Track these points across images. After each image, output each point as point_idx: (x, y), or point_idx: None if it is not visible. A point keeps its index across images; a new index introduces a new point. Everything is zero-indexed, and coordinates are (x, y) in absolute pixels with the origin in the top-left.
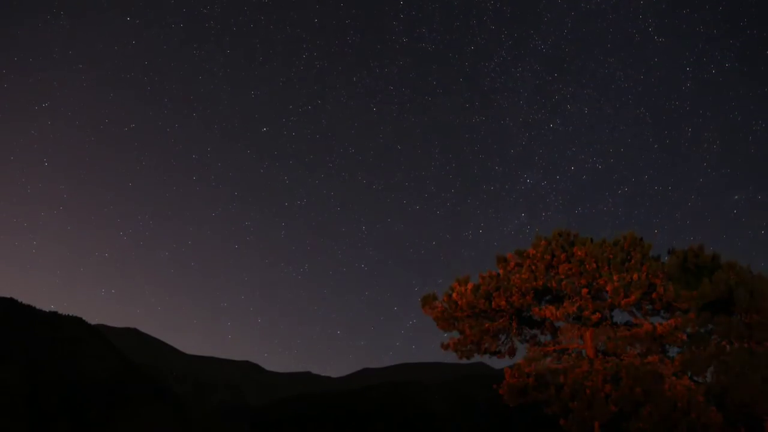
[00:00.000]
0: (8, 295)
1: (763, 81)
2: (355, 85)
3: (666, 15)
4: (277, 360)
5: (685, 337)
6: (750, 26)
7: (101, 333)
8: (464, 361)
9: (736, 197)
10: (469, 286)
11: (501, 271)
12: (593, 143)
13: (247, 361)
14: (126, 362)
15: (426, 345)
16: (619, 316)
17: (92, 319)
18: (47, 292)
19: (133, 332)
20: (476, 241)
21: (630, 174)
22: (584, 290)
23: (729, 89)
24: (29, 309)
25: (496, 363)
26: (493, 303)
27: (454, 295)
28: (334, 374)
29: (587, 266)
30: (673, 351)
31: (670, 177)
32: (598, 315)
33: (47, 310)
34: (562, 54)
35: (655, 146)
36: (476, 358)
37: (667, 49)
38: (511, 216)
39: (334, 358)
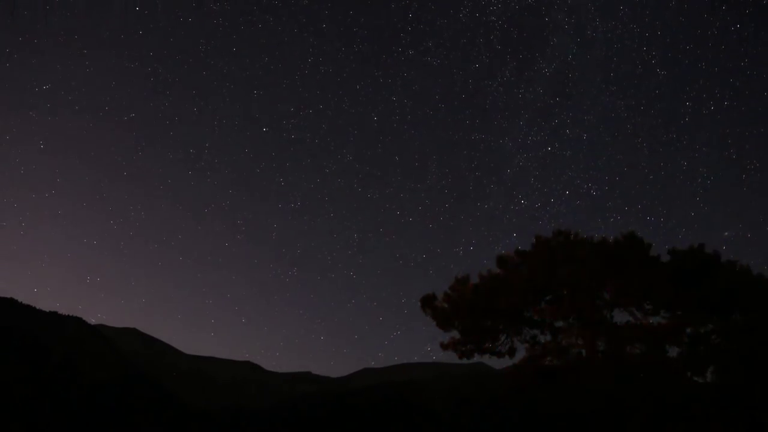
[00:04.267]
0: (8, 295)
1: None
2: (358, 93)
3: (669, 48)
4: (277, 360)
5: (685, 337)
6: (750, 65)
7: (101, 333)
8: (464, 361)
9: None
10: (469, 286)
11: (501, 271)
12: (589, 169)
13: (247, 361)
14: (126, 362)
15: (426, 345)
16: (619, 316)
17: (92, 319)
18: (47, 292)
19: (133, 332)
20: (465, 258)
21: (623, 203)
22: (584, 290)
23: (727, 125)
24: (29, 309)
25: (496, 363)
26: (493, 303)
27: (454, 295)
28: (334, 374)
29: (587, 266)
30: (673, 351)
31: (663, 209)
32: (598, 315)
33: (47, 310)
34: (565, 79)
35: (650, 177)
36: (476, 358)
37: (668, 81)
38: (503, 236)
39: (334, 358)
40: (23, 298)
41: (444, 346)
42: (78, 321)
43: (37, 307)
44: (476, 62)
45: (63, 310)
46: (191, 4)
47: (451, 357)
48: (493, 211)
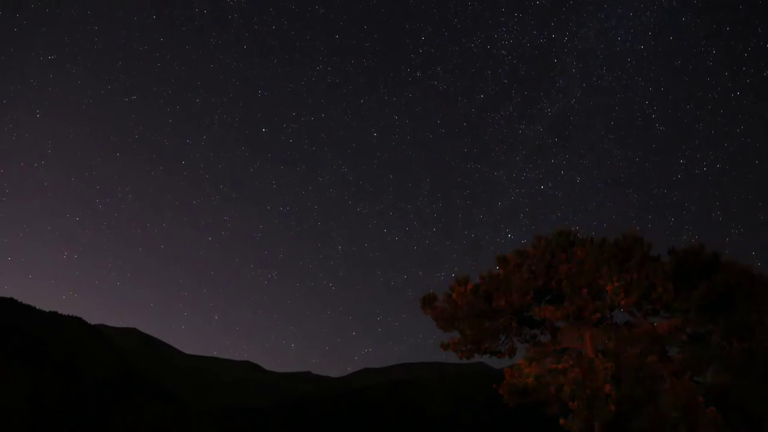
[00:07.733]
0: (8, 295)
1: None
2: (362, 107)
3: (669, 105)
4: (277, 360)
5: (685, 337)
6: (746, 130)
7: (101, 333)
8: (464, 361)
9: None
10: (469, 286)
11: (501, 271)
12: (579, 212)
13: (247, 361)
14: (126, 362)
15: (426, 345)
16: (619, 316)
17: (92, 319)
18: (47, 292)
19: (133, 332)
20: (446, 284)
21: None
22: (584, 290)
23: (715, 190)
24: (29, 309)
25: (496, 363)
26: (493, 303)
27: (453, 295)
28: (334, 374)
29: (587, 266)
30: (673, 351)
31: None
32: (598, 315)
33: (47, 310)
34: (566, 122)
35: (638, 228)
36: (476, 358)
37: (666, 137)
38: (485, 268)
39: (334, 358)
40: (23, 298)
41: (444, 347)
42: (78, 321)
43: (37, 307)
44: (481, 93)
45: (63, 310)
46: None
47: (451, 357)
48: (479, 242)
